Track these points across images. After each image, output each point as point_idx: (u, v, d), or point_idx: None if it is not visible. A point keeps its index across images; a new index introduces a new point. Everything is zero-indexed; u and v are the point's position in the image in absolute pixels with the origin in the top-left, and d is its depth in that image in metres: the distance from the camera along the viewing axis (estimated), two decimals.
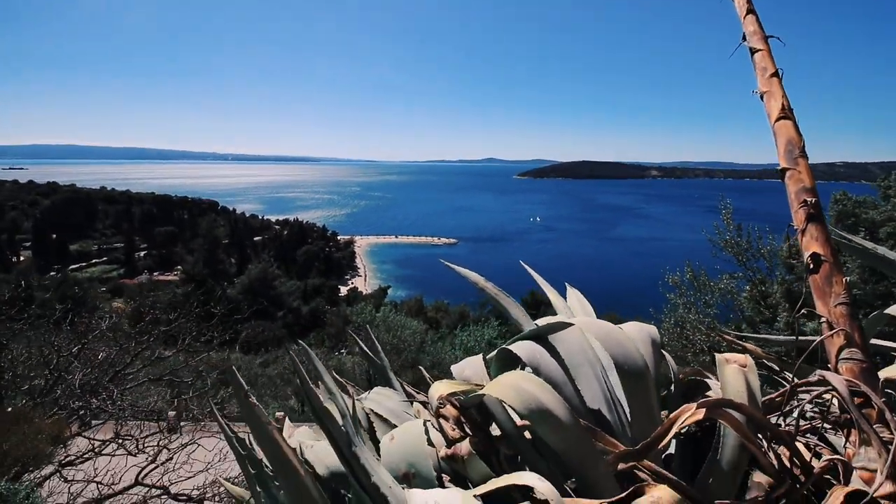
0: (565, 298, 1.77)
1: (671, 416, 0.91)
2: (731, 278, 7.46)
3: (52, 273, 55.27)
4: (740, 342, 1.46)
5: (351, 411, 0.87)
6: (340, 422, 0.73)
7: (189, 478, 3.96)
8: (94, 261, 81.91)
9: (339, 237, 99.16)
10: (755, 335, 1.48)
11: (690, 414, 0.90)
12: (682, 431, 1.21)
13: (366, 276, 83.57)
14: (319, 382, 1.30)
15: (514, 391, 0.91)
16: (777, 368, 1.48)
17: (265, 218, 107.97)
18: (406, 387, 1.35)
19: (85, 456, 3.53)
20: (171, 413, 4.76)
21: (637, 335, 1.16)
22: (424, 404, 1.29)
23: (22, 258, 69.26)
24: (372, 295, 51.82)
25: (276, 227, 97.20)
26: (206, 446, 4.18)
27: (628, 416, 1.26)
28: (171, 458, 3.87)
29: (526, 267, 1.70)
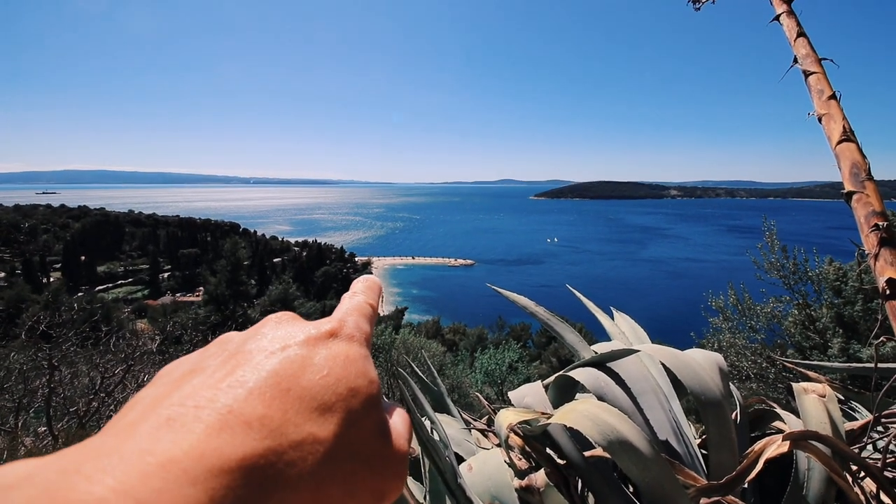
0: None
1: (756, 448, 0.89)
2: (778, 302, 7.18)
3: (79, 294, 56.95)
4: (804, 370, 1.41)
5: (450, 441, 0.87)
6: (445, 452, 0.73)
7: None
8: (119, 282, 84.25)
9: (356, 258, 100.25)
10: (817, 363, 1.43)
11: (777, 446, 0.87)
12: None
13: (383, 297, 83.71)
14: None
15: (591, 421, 0.90)
16: (842, 398, 1.43)
17: (284, 240, 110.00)
18: (463, 414, 1.34)
19: None
20: None
21: (704, 362, 1.14)
22: (483, 432, 1.27)
23: (52, 279, 71.64)
24: (390, 316, 51.90)
25: (296, 248, 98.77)
26: None
27: (695, 447, 1.23)
28: None
29: (574, 291, 1.69)
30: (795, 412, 1.23)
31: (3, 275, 67.15)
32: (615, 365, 1.23)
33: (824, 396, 1.01)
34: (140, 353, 4.21)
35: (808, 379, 1.40)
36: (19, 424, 3.11)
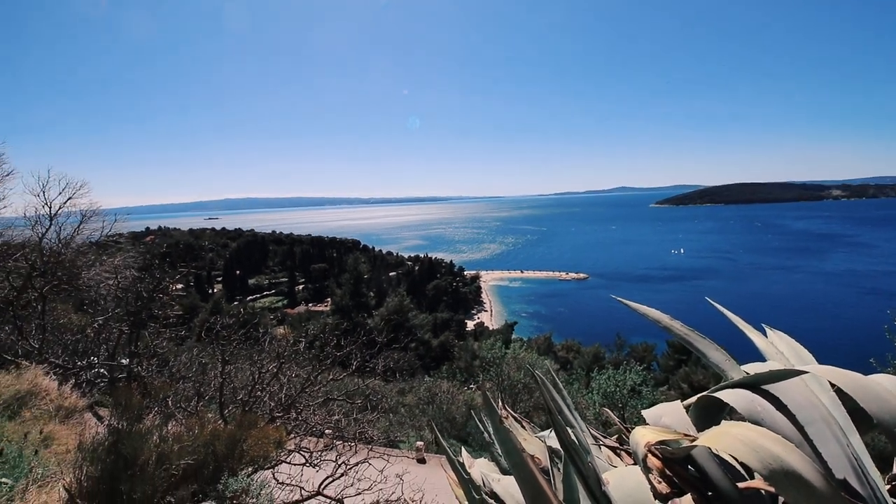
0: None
1: None
2: None
3: (235, 302, 66.90)
4: None
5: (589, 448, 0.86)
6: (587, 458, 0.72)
7: (357, 494, 4.33)
8: (265, 293, 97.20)
9: (465, 272, 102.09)
10: None
11: None
12: None
13: (492, 311, 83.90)
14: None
15: (749, 447, 0.81)
16: None
17: (399, 255, 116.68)
18: (592, 429, 1.30)
19: (274, 462, 4.12)
20: (336, 431, 5.32)
21: (893, 389, 0.95)
22: (614, 450, 1.21)
23: (215, 290, 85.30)
24: (499, 330, 51.62)
25: (409, 262, 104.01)
26: (375, 466, 4.54)
27: (884, 491, 1.03)
28: (346, 474, 4.29)
29: (715, 305, 1.54)
30: None
31: (182, 286, 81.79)
32: (774, 388, 1.09)
33: None
34: (289, 352, 4.86)
35: None
36: (198, 408, 3.81)
